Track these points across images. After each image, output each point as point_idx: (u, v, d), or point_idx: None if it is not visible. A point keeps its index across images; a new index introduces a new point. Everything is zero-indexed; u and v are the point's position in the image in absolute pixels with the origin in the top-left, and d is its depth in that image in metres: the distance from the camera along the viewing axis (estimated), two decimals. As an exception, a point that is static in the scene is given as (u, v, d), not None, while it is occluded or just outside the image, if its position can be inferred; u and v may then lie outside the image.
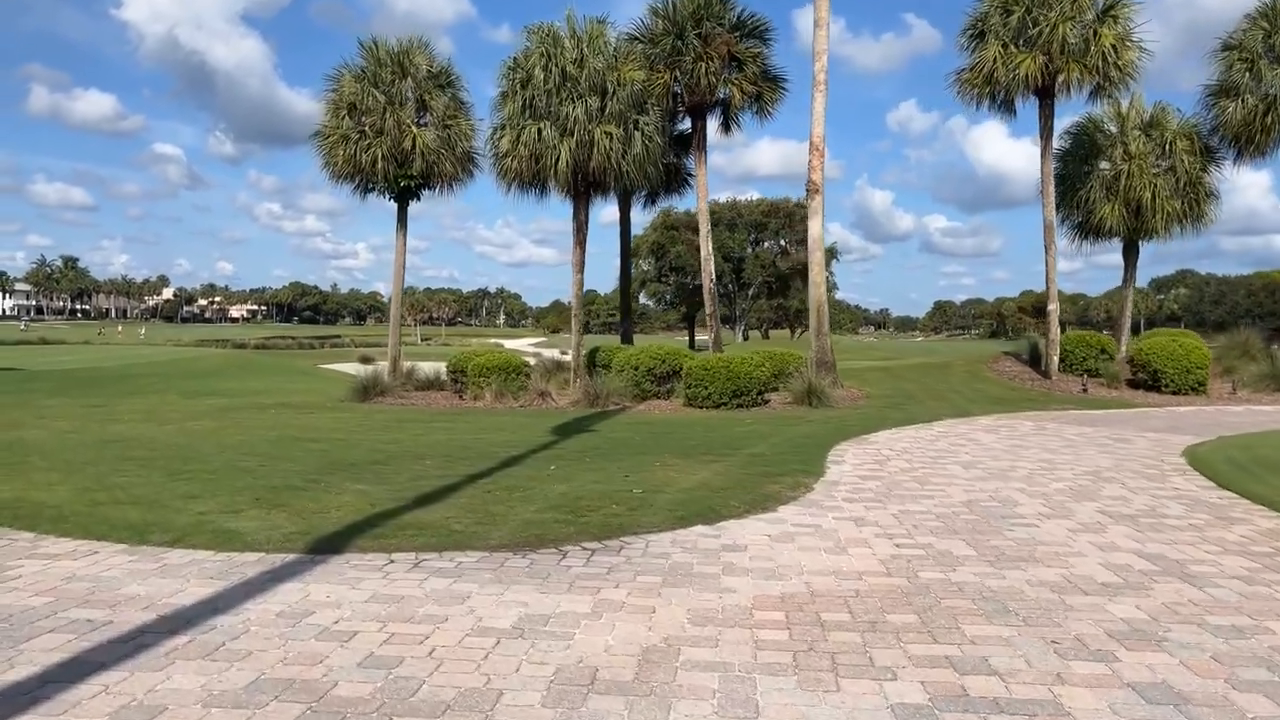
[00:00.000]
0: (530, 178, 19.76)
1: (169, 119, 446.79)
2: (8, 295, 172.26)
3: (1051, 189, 21.02)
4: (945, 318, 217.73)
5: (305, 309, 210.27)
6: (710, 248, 21.74)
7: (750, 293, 68.47)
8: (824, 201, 19.73)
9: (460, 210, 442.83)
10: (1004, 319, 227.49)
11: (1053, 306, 21.27)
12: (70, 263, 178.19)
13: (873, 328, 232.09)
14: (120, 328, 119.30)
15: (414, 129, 20.96)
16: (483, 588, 5.28)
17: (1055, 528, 6.96)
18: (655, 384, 19.27)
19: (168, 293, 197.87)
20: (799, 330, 76.00)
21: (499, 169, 20.12)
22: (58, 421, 14.61)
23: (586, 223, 20.62)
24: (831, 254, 69.94)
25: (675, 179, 24.74)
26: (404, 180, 20.98)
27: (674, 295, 68.94)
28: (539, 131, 18.93)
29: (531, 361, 22.36)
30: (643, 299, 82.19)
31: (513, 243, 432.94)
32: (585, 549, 6.23)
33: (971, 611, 4.89)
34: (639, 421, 15.26)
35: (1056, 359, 21.48)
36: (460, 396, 20.11)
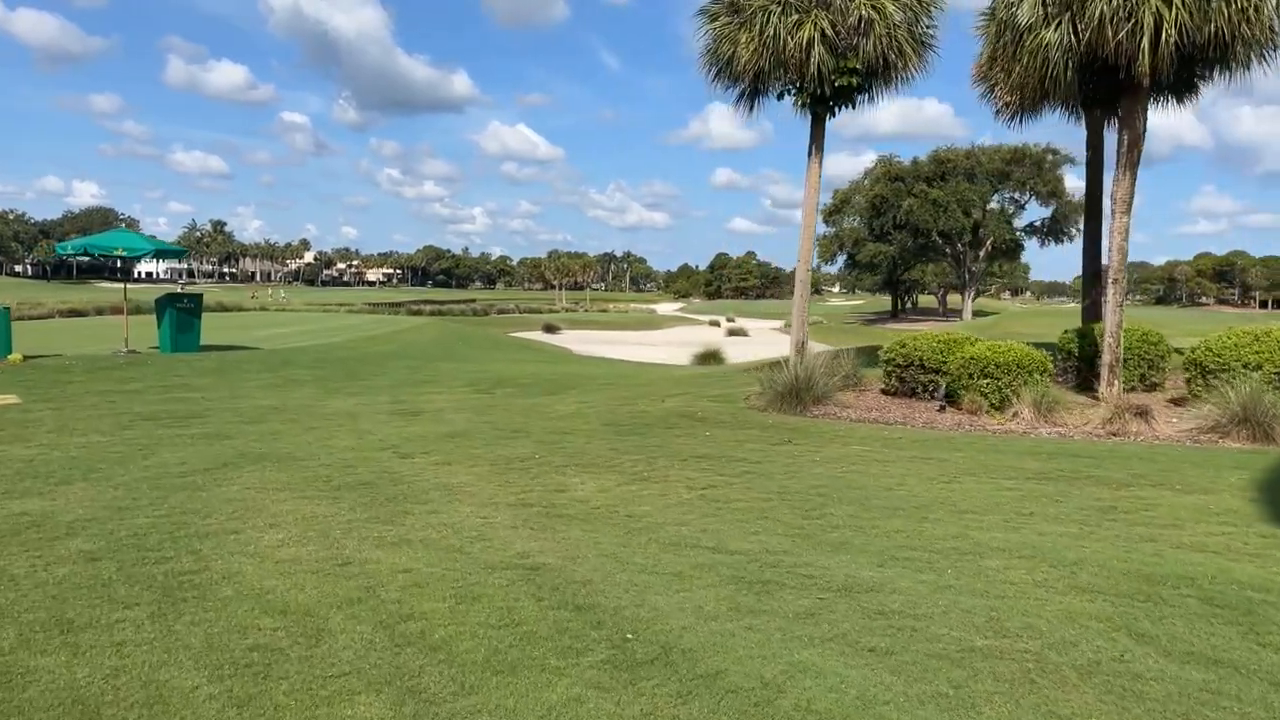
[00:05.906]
0: (1066, 65, 12.29)
1: (296, 88, 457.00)
2: (160, 259, 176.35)
3: None
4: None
5: (438, 273, 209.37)
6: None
7: (982, 254, 58.56)
8: None
9: (571, 174, 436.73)
10: (1175, 283, 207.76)
11: None
12: (219, 227, 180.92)
13: (1009, 293, 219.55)
14: (270, 291, 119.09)
15: (859, -1, 13.76)
16: None
17: None
18: (1286, 396, 11.75)
19: (308, 256, 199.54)
20: (974, 297, 66.06)
21: (1010, 55, 12.76)
22: (417, 467, 8.18)
23: (1143, 136, 13.04)
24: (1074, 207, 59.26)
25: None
26: (842, 77, 13.84)
27: (895, 257, 59.93)
28: (1124, -22, 11.40)
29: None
30: (839, 262, 74.23)
31: (624, 206, 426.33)
32: None
33: None
34: None
35: None
36: (942, 408, 13.06)
